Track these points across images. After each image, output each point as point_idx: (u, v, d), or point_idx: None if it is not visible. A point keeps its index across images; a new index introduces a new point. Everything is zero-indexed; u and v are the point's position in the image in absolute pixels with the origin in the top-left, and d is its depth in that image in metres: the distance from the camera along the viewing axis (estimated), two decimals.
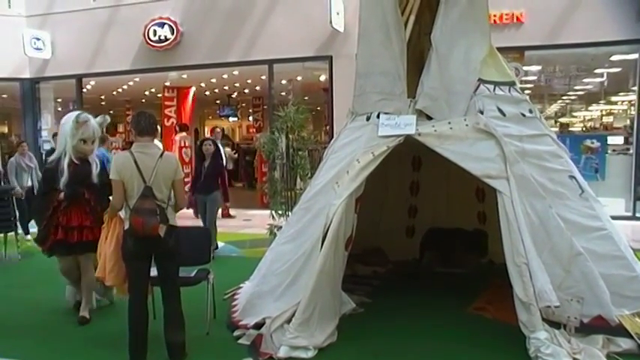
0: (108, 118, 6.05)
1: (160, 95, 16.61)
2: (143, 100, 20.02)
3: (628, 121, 11.21)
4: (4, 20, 14.51)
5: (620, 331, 4.59)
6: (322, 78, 13.59)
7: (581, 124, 15.68)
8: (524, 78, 11.58)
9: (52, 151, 10.02)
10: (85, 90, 15.67)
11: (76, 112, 5.74)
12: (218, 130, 13.51)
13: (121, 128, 24.94)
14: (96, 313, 5.79)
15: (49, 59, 14.69)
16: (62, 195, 5.52)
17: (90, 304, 5.76)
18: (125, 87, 17.39)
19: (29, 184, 9.43)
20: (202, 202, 8.25)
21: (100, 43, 14.18)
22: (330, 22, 11.44)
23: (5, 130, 20.43)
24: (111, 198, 4.64)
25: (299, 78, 14.49)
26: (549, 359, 4.30)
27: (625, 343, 4.56)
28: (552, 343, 4.39)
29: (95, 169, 5.63)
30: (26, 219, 9.21)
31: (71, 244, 5.53)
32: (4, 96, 16.65)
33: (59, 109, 16.92)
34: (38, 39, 14.38)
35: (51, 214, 5.56)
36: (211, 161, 8.38)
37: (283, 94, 14.16)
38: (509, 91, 5.24)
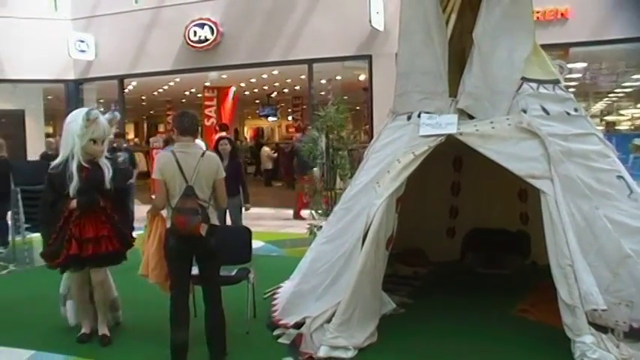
0: (118, 115, 5.45)
1: (200, 95, 16.82)
2: (183, 100, 20.29)
3: None
4: (50, 23, 14.91)
5: None
6: (362, 77, 13.58)
7: (630, 123, 15.28)
8: (568, 75, 11.33)
9: (47, 155, 9.86)
10: (126, 90, 15.98)
11: (85, 109, 5.04)
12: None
13: (161, 128, 25.34)
14: (137, 308, 5.83)
15: (92, 61, 15.04)
16: (74, 203, 4.88)
17: (107, 319, 5.27)
18: (166, 87, 17.66)
19: None
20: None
21: (142, 45, 14.43)
22: (370, 21, 11.42)
23: (50, 130, 20.91)
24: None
25: (338, 77, 14.49)
26: None
27: None
28: (599, 347, 4.27)
29: (108, 173, 5.02)
30: None
31: (86, 257, 4.93)
32: (50, 97, 17.06)
33: (102, 109, 17.23)
34: (82, 41, 14.73)
35: (61, 225, 4.91)
36: (230, 162, 7.50)
37: (323, 93, 14.15)
38: (554, 89, 5.14)
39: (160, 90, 18.41)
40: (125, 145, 10.37)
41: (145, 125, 29.22)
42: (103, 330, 5.16)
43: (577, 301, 4.36)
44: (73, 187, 4.84)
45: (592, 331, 4.35)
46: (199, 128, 4.63)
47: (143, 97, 20.29)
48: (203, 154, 4.51)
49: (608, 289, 4.47)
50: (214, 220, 4.53)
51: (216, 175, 4.51)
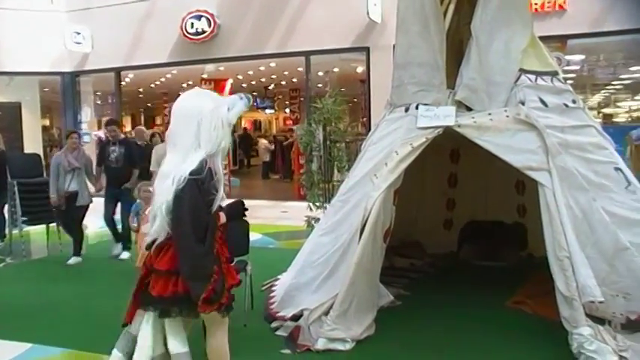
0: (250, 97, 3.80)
1: (197, 87, 16.75)
2: (180, 93, 20.11)
3: None
4: (46, 15, 14.85)
5: None
6: (359, 69, 13.56)
7: (627, 115, 15.27)
8: (566, 68, 11.33)
9: (136, 145, 9.01)
10: (123, 83, 15.95)
11: (238, 94, 3.55)
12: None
13: (158, 120, 25.28)
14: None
15: (88, 53, 15.00)
16: (223, 217, 3.40)
17: None
18: (163, 79, 17.62)
19: (72, 188, 7.69)
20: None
21: (138, 37, 14.39)
22: (367, 13, 11.40)
23: (47, 122, 20.87)
24: None
25: (336, 69, 14.47)
26: (593, 356, 4.19)
27: None
28: (596, 339, 4.27)
29: None
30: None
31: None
32: (46, 89, 17.01)
33: (98, 102, 17.24)
34: (78, 33, 14.67)
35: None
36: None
37: (320, 85, 14.15)
38: (552, 81, 5.12)
39: (157, 82, 18.37)
40: (122, 136, 9.10)
41: (143, 118, 29.18)
42: None
43: (574, 293, 4.37)
44: (220, 196, 3.31)
45: (589, 323, 4.35)
46: None
47: (140, 90, 20.24)
48: None
49: (605, 281, 4.47)
50: None
51: None
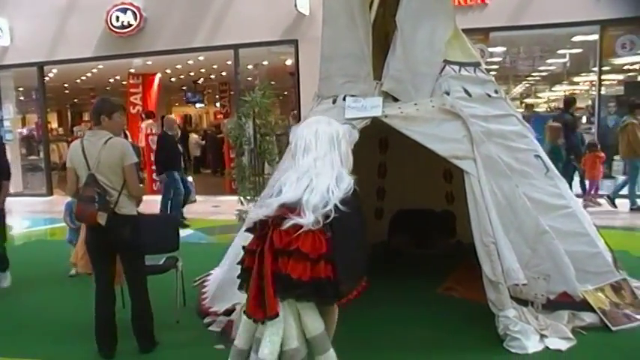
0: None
1: (125, 82, 16.37)
2: (108, 88, 19.72)
3: (590, 101, 11.45)
4: None
5: (584, 306, 4.72)
6: (289, 62, 13.53)
7: (546, 105, 15.89)
8: (489, 59, 11.67)
9: (167, 136, 9.64)
10: (47, 78, 15.41)
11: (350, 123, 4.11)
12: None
13: (86, 117, 24.59)
14: (62, 303, 5.66)
15: (7, 46, 14.34)
16: None
17: None
18: (89, 74, 17.10)
19: None
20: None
21: (61, 30, 13.88)
22: (296, 5, 11.40)
23: None
24: None
25: (265, 62, 14.41)
26: (518, 336, 4.36)
27: (589, 317, 4.69)
28: (520, 320, 4.45)
29: None
30: None
31: None
32: None
33: (21, 98, 16.55)
34: None
35: None
36: None
37: (250, 79, 14.07)
38: (475, 71, 5.26)
39: (83, 77, 17.80)
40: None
41: (69, 114, 28.28)
42: None
43: (500, 277, 4.52)
44: None
45: (514, 305, 4.52)
46: (111, 114, 4.40)
47: (66, 85, 19.59)
48: (106, 141, 4.30)
49: (528, 265, 4.65)
50: (130, 209, 4.38)
51: (122, 162, 4.30)
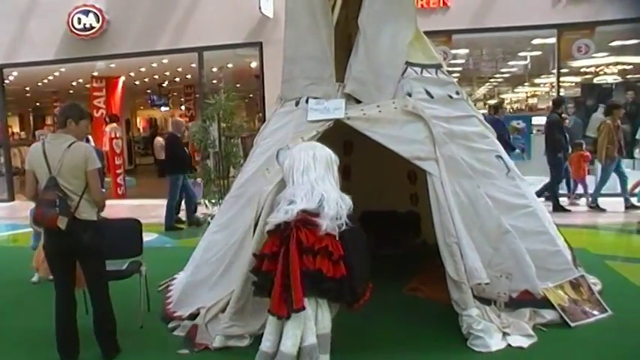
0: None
1: (88, 86, 16.14)
2: (71, 92, 19.38)
3: (550, 103, 11.66)
4: None
5: (545, 303, 4.81)
6: (253, 65, 13.49)
7: (509, 106, 16.13)
8: (453, 61, 11.81)
9: (175, 137, 9.32)
10: (7, 81, 15.06)
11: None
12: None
13: (49, 120, 24.17)
14: (24, 310, 5.54)
15: None
16: None
17: None
18: (51, 77, 16.77)
19: None
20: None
21: (21, 32, 13.61)
22: (260, 8, 11.37)
23: None
24: None
25: (230, 65, 14.32)
26: (481, 335, 4.41)
27: (549, 315, 4.79)
28: (483, 319, 4.51)
29: None
30: None
31: None
32: None
33: None
34: None
35: None
36: None
37: (215, 82, 13.95)
38: (436, 73, 5.31)
39: (45, 80, 17.44)
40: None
41: (31, 118, 27.76)
42: None
43: (463, 276, 4.56)
44: None
45: (477, 304, 4.57)
46: (79, 120, 4.37)
47: (27, 88, 19.18)
48: (70, 145, 4.24)
49: (490, 264, 4.71)
50: (90, 215, 4.31)
51: (85, 166, 4.24)
